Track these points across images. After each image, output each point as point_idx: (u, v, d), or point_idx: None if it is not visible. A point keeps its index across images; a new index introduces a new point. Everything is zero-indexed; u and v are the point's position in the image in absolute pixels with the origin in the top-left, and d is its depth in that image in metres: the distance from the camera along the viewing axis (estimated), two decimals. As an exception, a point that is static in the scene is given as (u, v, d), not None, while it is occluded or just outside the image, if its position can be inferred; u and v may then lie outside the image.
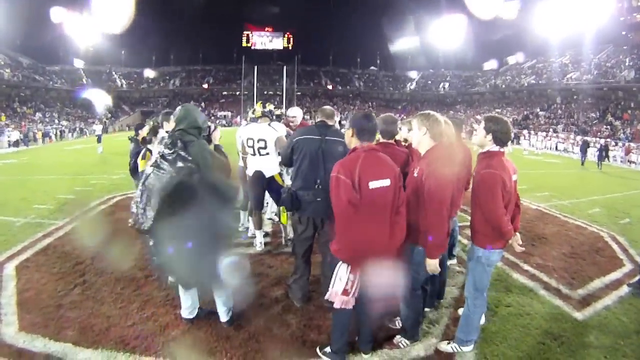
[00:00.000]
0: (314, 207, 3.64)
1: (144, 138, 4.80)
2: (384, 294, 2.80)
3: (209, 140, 3.56)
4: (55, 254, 5.29)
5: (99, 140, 22.04)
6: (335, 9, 72.93)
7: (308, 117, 41.70)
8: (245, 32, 66.03)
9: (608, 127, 35.22)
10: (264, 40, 67.23)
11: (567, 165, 20.56)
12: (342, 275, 2.80)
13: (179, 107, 3.37)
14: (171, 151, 3.03)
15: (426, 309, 3.87)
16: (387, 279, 2.76)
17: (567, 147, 31.24)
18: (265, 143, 4.99)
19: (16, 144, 27.95)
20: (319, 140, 3.69)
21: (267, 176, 5.11)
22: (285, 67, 58.55)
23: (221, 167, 3.29)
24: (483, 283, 3.17)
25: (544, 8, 47.24)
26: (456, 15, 50.76)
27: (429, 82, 68.55)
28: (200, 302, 3.72)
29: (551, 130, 38.59)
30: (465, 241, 5.92)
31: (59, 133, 37.32)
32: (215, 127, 3.69)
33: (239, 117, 51.98)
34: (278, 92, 59.02)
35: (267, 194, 5.43)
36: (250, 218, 5.96)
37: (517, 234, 3.14)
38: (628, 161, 25.04)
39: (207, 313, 3.71)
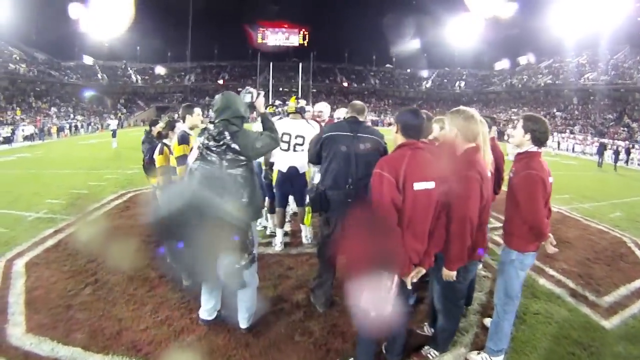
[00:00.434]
0: (345, 208, 3.39)
1: (159, 133, 4.59)
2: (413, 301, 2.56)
3: (253, 108, 3.37)
4: (66, 250, 5.12)
5: (113, 135, 22.20)
6: (351, 6, 72.99)
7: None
8: (261, 29, 65.87)
9: (625, 129, 34.65)
10: (278, 37, 67.05)
11: (584, 167, 20.35)
12: (378, 281, 2.53)
13: (218, 96, 3.18)
14: (219, 143, 2.95)
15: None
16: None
17: (585, 149, 30.74)
18: (304, 139, 4.85)
19: (31, 137, 28.15)
20: (351, 137, 3.46)
21: (300, 172, 4.99)
22: (300, 64, 58.41)
23: (271, 148, 3.28)
24: (514, 288, 3.05)
25: (560, 7, 46.68)
26: (471, 13, 50.23)
27: (445, 80, 67.92)
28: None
29: (568, 131, 38.01)
30: (490, 245, 5.64)
31: (73, 127, 37.61)
32: (259, 93, 3.45)
33: (254, 112, 51.97)
34: (293, 89, 58.82)
35: None
36: (269, 216, 5.74)
37: (551, 235, 3.02)
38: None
39: (225, 317, 3.49)
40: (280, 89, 59.53)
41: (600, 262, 5.48)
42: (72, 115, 43.69)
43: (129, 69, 63.53)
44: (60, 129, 34.39)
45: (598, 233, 7.00)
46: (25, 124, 31.67)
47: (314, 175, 5.20)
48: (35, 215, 6.80)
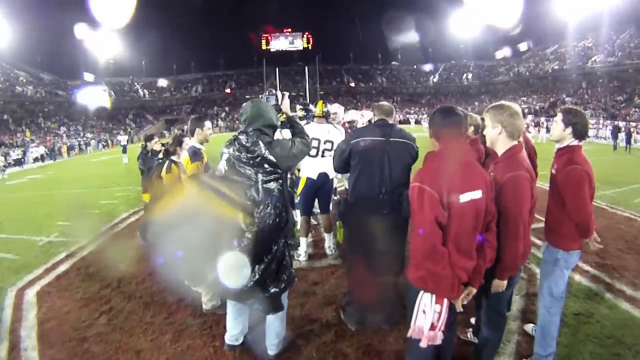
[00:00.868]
0: (379, 220, 3.09)
1: (167, 150, 4.29)
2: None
3: (279, 110, 3.11)
4: (79, 276, 4.90)
5: (124, 150, 22.19)
6: (353, 6, 72.62)
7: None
8: (264, 35, 65.91)
9: (637, 110, 34.01)
10: (282, 42, 67.06)
11: (599, 152, 19.67)
12: (426, 307, 2.19)
13: (246, 105, 2.93)
14: (254, 155, 2.74)
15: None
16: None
17: (598, 133, 30.07)
18: (332, 144, 4.65)
19: (41, 158, 28.33)
20: (383, 142, 3.19)
21: (330, 177, 4.85)
22: (306, 68, 58.15)
23: (304, 155, 3.08)
24: (560, 288, 2.87)
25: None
26: (473, 3, 49.64)
27: (452, 73, 67.29)
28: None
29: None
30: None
31: (84, 145, 37.86)
32: (283, 95, 3.21)
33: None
34: (301, 93, 58.49)
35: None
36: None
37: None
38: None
39: (252, 343, 3.21)
40: (288, 93, 59.29)
41: (632, 252, 5.23)
42: (81, 133, 44.04)
43: (135, 84, 63.95)
44: (70, 148, 34.69)
45: (626, 221, 6.70)
46: (35, 145, 31.91)
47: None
48: (46, 239, 6.63)
